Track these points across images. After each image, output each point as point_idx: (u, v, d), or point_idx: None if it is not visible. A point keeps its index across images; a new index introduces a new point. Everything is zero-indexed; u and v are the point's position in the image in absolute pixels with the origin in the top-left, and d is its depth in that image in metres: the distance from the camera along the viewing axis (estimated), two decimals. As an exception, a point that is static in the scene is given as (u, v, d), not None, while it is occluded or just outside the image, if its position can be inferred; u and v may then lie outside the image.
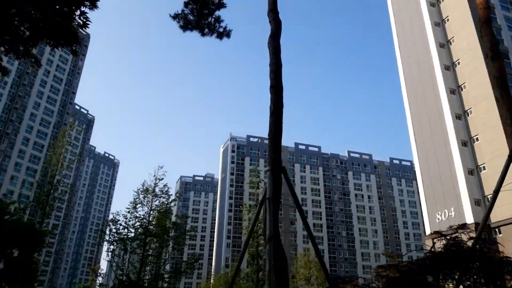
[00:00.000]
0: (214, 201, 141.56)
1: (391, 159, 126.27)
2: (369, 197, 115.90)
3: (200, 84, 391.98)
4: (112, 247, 19.85)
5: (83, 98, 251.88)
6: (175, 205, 20.33)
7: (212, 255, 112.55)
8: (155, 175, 22.27)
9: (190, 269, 20.18)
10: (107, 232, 20.03)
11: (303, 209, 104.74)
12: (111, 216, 20.82)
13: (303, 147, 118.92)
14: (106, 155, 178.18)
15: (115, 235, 20.02)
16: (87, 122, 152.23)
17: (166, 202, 21.55)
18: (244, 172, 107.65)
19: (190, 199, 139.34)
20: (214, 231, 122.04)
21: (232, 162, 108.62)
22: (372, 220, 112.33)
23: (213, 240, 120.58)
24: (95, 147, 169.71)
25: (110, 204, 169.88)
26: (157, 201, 21.43)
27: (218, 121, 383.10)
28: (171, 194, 21.82)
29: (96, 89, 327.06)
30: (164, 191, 21.99)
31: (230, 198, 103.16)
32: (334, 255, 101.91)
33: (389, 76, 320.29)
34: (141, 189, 21.65)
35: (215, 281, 48.56)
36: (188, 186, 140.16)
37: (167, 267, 20.65)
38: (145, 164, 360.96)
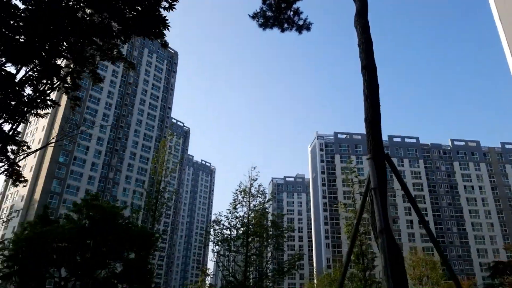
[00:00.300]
0: (308, 201, 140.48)
1: (503, 144, 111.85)
2: (480, 188, 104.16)
3: (279, 85, 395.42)
4: (217, 247, 20.75)
5: (178, 111, 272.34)
6: (270, 206, 20.24)
7: (312, 256, 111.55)
8: (249, 176, 22.72)
9: (294, 267, 19.88)
10: (212, 232, 21.01)
11: (405, 205, 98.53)
12: (213, 218, 21.71)
13: (399, 139, 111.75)
14: (203, 162, 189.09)
15: (219, 235, 20.85)
16: (184, 134, 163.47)
17: (263, 201, 21.76)
18: (335, 170, 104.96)
19: (284, 200, 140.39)
20: (311, 232, 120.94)
21: (322, 161, 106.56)
22: (487, 212, 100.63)
23: (311, 241, 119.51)
24: (193, 156, 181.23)
25: (211, 208, 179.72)
26: (254, 201, 21.77)
27: (302, 121, 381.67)
28: (266, 193, 21.91)
29: (188, 102, 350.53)
30: (259, 191, 22.31)
31: (324, 197, 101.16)
32: (445, 253, 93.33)
33: (490, 52, 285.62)
34: (238, 190, 22.29)
35: (319, 282, 47.65)
36: (280, 187, 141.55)
37: (270, 266, 20.71)
38: (238, 169, 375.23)
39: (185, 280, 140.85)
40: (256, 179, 22.65)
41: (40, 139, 78.90)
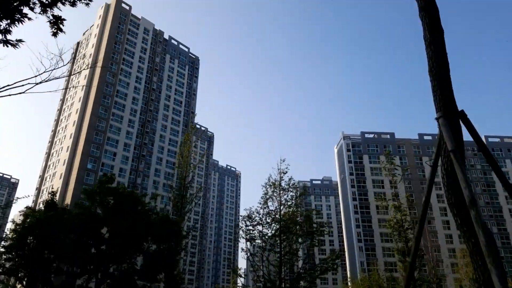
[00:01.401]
0: (337, 204, 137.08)
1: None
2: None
3: (301, 88, 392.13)
4: (248, 244, 19.19)
5: (201, 116, 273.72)
6: (302, 201, 18.58)
7: (344, 260, 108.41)
8: (278, 169, 21.09)
9: (332, 267, 18.07)
10: (243, 227, 19.47)
11: (440, 206, 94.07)
12: (244, 213, 20.39)
13: (430, 137, 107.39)
14: (229, 167, 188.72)
15: (251, 231, 19.37)
16: (208, 139, 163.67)
17: (295, 195, 20.09)
18: (364, 171, 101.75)
19: (312, 203, 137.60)
20: (341, 235, 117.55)
21: (349, 162, 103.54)
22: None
23: (342, 245, 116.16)
24: (218, 161, 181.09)
25: (238, 213, 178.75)
26: (286, 195, 20.16)
27: (327, 123, 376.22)
28: (298, 187, 20.20)
29: (211, 107, 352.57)
30: (290, 184, 20.61)
31: (354, 199, 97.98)
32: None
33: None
34: (268, 183, 20.71)
35: (355, 286, 45.36)
36: (302, 196, 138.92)
37: (306, 265, 18.97)
38: (262, 173, 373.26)
39: (217, 284, 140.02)
40: (286, 172, 21.01)
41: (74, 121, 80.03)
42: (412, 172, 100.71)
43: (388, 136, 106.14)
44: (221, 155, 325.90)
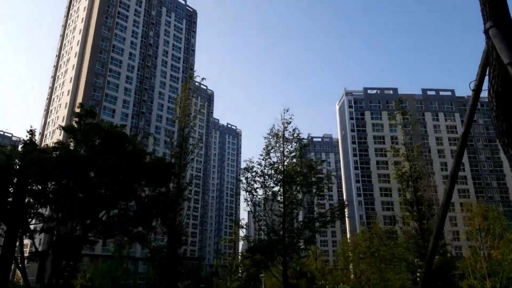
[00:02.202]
0: (336, 161, 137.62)
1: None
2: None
3: (302, 43, 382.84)
4: (250, 195, 18.59)
5: (200, 74, 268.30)
6: (306, 152, 17.82)
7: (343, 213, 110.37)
8: (282, 119, 20.02)
9: (337, 217, 17.68)
10: (244, 180, 18.75)
11: (441, 161, 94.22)
12: (244, 165, 19.75)
13: (433, 92, 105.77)
14: (229, 125, 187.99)
15: (252, 183, 18.71)
16: (208, 97, 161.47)
17: (299, 147, 19.13)
18: (365, 127, 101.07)
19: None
20: (341, 191, 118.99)
21: (351, 118, 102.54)
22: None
23: (341, 200, 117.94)
24: (218, 120, 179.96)
25: (240, 172, 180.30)
26: (289, 146, 19.29)
27: (328, 78, 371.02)
28: (303, 138, 19.26)
29: (210, 63, 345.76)
30: (294, 135, 19.63)
31: (355, 155, 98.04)
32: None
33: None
34: (271, 134, 19.74)
35: (356, 237, 46.01)
36: (306, 147, 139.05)
37: (314, 214, 18.55)
38: (263, 131, 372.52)
39: (219, 237, 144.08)
40: (290, 122, 19.94)
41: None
42: (414, 128, 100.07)
43: (391, 92, 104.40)
44: (222, 113, 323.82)
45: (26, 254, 24.65)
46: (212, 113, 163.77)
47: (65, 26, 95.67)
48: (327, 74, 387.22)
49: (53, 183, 23.43)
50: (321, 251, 41.53)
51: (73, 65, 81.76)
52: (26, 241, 24.50)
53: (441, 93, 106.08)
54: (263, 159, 18.91)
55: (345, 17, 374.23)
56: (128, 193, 23.58)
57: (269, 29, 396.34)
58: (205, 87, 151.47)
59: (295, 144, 19.31)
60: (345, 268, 50.05)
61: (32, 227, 24.41)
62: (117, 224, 23.82)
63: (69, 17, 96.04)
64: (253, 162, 18.96)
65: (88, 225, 23.54)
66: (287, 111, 19.85)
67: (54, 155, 23.23)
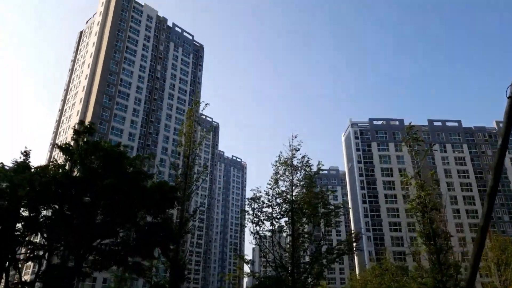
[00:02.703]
0: (343, 195, 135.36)
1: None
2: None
3: (307, 76, 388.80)
4: (257, 228, 17.31)
5: (206, 107, 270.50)
6: (316, 179, 16.96)
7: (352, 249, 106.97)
8: (290, 145, 19.15)
9: (352, 249, 16.46)
10: (250, 211, 17.52)
11: (451, 194, 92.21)
12: (251, 194, 18.88)
13: (439, 123, 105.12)
14: (234, 158, 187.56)
15: (259, 214, 17.53)
16: (213, 129, 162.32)
17: (309, 175, 18.16)
18: (372, 159, 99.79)
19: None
20: (348, 226, 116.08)
21: (358, 150, 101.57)
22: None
23: (349, 235, 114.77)
24: (223, 152, 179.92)
25: (244, 205, 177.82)
26: (298, 174, 18.36)
27: (333, 111, 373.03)
28: (312, 165, 18.45)
29: (215, 97, 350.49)
30: (303, 162, 18.62)
31: (362, 188, 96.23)
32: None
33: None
34: (278, 162, 18.84)
35: (366, 273, 44.01)
36: (316, 175, 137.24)
37: (323, 248, 17.24)
38: (268, 164, 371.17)
39: (222, 273, 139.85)
40: (299, 149, 19.06)
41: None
42: (425, 157, 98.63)
43: (397, 123, 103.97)
44: (227, 146, 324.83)
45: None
46: (217, 145, 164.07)
47: (74, 61, 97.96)
48: (333, 105, 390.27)
49: (45, 207, 21.88)
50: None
51: (81, 99, 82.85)
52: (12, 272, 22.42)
53: (448, 124, 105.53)
54: (270, 188, 17.99)
55: (349, 48, 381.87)
56: (127, 219, 21.89)
57: (273, 60, 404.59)
58: (210, 119, 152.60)
59: (304, 172, 18.34)
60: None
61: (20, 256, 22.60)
62: (113, 252, 22.00)
63: (78, 52, 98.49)
64: (260, 192, 18.00)
65: (82, 255, 21.61)
66: (295, 137, 19.10)
67: (47, 176, 21.29)
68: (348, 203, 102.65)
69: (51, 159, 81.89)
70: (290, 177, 17.93)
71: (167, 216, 22.13)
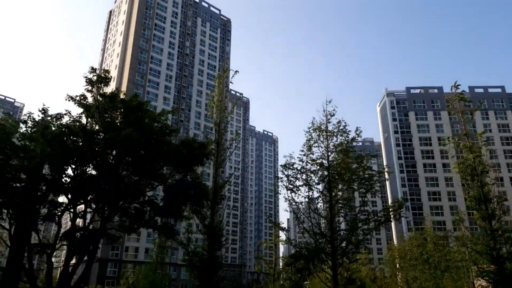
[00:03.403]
0: (379, 166, 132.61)
1: None
2: None
3: (338, 45, 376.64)
4: (292, 195, 16.64)
5: (236, 82, 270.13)
6: (355, 145, 15.94)
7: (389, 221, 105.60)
8: (324, 110, 18.10)
9: (395, 216, 15.68)
10: (284, 178, 16.82)
11: (493, 162, 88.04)
12: (283, 161, 18.26)
13: (481, 90, 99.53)
14: (265, 132, 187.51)
15: (293, 180, 16.82)
16: (244, 105, 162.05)
17: (345, 141, 17.07)
18: (410, 128, 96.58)
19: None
20: (384, 197, 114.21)
21: (394, 120, 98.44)
22: None
23: (386, 205, 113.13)
24: (254, 127, 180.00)
25: (277, 185, 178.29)
26: (334, 140, 17.34)
27: (369, 80, 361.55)
28: (350, 131, 17.36)
29: (245, 71, 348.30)
30: (339, 128, 17.45)
31: (399, 158, 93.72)
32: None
33: None
34: (312, 128, 17.82)
35: (406, 243, 43.12)
36: (354, 141, 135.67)
37: (360, 215, 16.49)
38: (300, 137, 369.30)
39: (259, 240, 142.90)
40: (333, 114, 17.90)
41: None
42: (462, 127, 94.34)
43: (436, 91, 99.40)
44: (258, 120, 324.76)
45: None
46: (248, 120, 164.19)
47: (105, 40, 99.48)
48: (366, 76, 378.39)
49: (68, 166, 20.06)
50: (368, 258, 39.24)
51: (114, 77, 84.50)
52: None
53: (490, 90, 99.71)
54: (304, 155, 17.04)
55: (383, 18, 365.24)
56: (153, 177, 20.38)
57: (304, 32, 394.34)
58: (240, 95, 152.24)
59: (340, 138, 17.24)
60: (394, 276, 47.08)
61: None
62: (140, 213, 20.61)
63: (109, 31, 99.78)
64: (293, 158, 17.10)
65: (107, 216, 20.62)
66: (330, 102, 17.88)
67: (61, 127, 19.71)
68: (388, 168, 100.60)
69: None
70: (326, 143, 16.93)
71: (197, 174, 20.45)
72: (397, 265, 44.97)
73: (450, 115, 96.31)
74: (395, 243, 67.17)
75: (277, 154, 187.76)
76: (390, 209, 15.72)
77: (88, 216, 22.03)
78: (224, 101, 18.67)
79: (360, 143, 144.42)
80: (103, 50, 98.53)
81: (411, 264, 37.84)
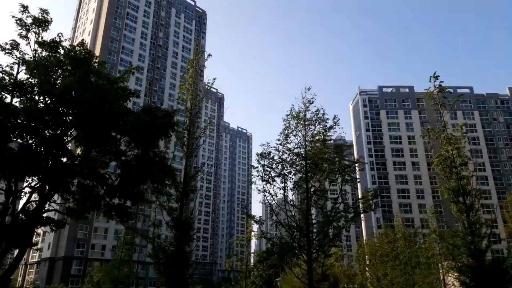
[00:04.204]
0: (350, 162, 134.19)
1: None
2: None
3: (313, 44, 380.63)
4: (267, 186, 15.52)
5: (210, 76, 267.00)
6: (333, 134, 15.17)
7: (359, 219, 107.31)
8: (303, 97, 17.21)
9: (370, 207, 15.09)
10: (260, 168, 15.65)
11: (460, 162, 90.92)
12: (259, 150, 17.44)
13: (451, 90, 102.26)
14: (240, 129, 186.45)
15: (269, 170, 15.75)
16: (218, 100, 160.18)
17: (323, 130, 16.26)
18: (381, 127, 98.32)
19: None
20: (355, 194, 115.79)
21: (366, 118, 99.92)
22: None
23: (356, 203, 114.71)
24: (229, 123, 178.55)
25: (251, 175, 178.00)
26: (312, 129, 16.51)
27: (341, 80, 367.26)
28: (328, 119, 16.57)
29: (219, 66, 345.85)
30: (318, 116, 16.59)
31: (370, 156, 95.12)
32: (507, 210, 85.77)
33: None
34: (290, 116, 16.92)
35: (378, 239, 43.30)
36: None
37: (340, 206, 15.72)
38: (274, 135, 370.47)
39: (231, 243, 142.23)
40: (312, 102, 17.09)
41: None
42: (431, 127, 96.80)
43: (407, 90, 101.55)
44: (232, 117, 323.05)
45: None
46: (222, 116, 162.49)
47: (74, 29, 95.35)
48: (338, 75, 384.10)
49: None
50: (342, 254, 39.17)
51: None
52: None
53: (459, 90, 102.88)
54: (280, 144, 16.11)
55: (355, 18, 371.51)
56: (107, 148, 16.26)
57: (278, 30, 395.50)
58: (215, 90, 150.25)
59: (318, 126, 16.44)
60: (364, 272, 47.24)
61: None
62: (90, 194, 16.67)
63: (78, 19, 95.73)
64: (270, 147, 16.10)
65: (45, 196, 16.86)
66: (309, 89, 17.02)
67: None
68: (363, 158, 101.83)
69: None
70: (303, 131, 16.08)
71: (161, 150, 16.86)
72: (367, 261, 45.20)
73: (420, 114, 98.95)
74: (364, 240, 67.88)
75: (251, 151, 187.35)
76: (368, 198, 15.09)
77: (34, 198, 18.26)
78: (197, 86, 17.24)
79: (332, 141, 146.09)
80: (72, 39, 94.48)
81: (382, 260, 37.99)
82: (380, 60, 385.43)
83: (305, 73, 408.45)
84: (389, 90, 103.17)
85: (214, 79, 16.43)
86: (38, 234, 77.75)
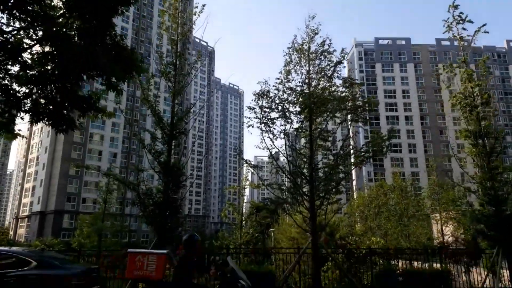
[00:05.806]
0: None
1: None
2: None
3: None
4: (266, 128, 13.59)
5: (200, 30, 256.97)
6: (341, 69, 12.99)
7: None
8: (307, 27, 14.81)
9: (386, 147, 13.55)
10: (258, 109, 13.65)
11: (454, 115, 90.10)
12: (257, 89, 15.62)
13: (447, 42, 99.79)
14: (231, 85, 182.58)
15: (268, 111, 13.81)
16: (209, 54, 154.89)
17: (329, 65, 14.14)
18: (376, 80, 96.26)
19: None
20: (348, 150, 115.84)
21: (361, 71, 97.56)
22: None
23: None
24: (220, 79, 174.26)
25: (242, 131, 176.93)
26: (316, 64, 14.34)
27: (338, 30, 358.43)
28: (335, 50, 14.42)
29: (210, 21, 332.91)
30: (324, 49, 14.23)
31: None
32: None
33: None
34: (291, 48, 14.57)
35: (371, 192, 42.73)
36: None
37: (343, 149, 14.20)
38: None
39: (225, 186, 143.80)
40: (317, 32, 14.65)
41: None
42: (426, 80, 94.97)
43: (404, 42, 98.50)
44: (223, 73, 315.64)
45: None
46: (213, 71, 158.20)
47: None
48: (335, 26, 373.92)
49: None
50: (342, 204, 38.90)
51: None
52: None
53: (456, 43, 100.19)
54: (280, 83, 13.87)
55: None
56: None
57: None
58: (205, 44, 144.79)
59: (324, 61, 14.07)
60: (354, 225, 47.27)
61: None
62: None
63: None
64: (268, 85, 13.92)
65: None
66: (313, 18, 14.46)
67: None
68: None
69: None
70: (307, 67, 13.93)
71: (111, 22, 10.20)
72: (360, 213, 44.81)
73: (416, 67, 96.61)
74: (355, 195, 68.07)
75: (243, 108, 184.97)
76: (383, 138, 13.52)
77: None
78: (185, 12, 14.77)
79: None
80: None
81: (377, 212, 37.58)
82: (377, 13, 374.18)
83: (297, 24, 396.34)
84: (386, 42, 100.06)
85: (204, 5, 13.65)
86: (27, 189, 76.62)
